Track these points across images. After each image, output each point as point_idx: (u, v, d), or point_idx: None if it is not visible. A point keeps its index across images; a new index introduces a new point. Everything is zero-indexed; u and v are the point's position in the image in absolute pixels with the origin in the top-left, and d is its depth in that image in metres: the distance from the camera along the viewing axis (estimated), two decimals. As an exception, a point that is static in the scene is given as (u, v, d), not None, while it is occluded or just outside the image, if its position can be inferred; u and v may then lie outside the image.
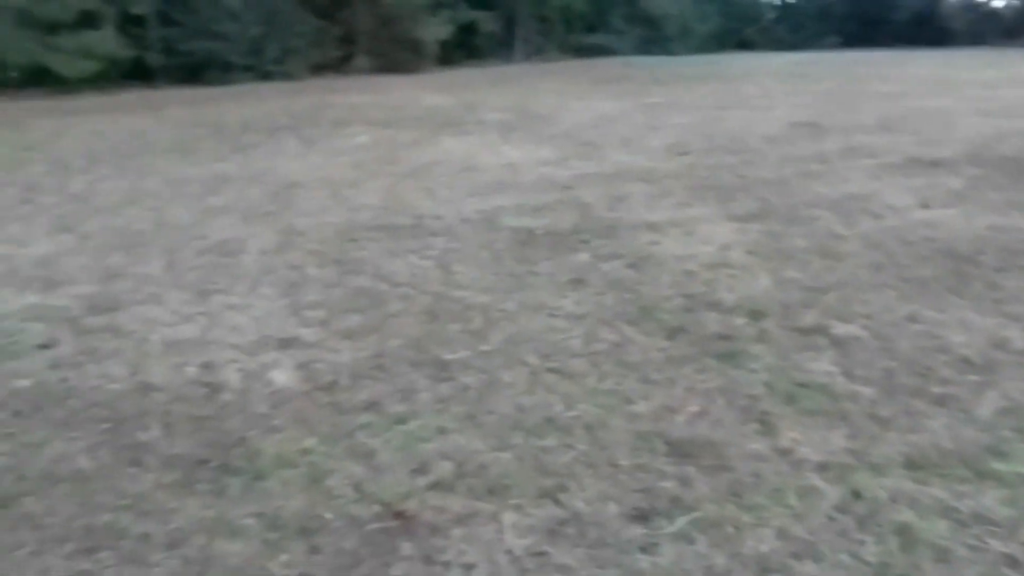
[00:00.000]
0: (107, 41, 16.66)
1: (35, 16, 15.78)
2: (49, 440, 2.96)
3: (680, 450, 2.74)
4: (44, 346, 3.77)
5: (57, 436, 2.98)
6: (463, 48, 24.32)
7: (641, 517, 2.39)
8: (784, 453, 2.72)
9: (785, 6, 42.80)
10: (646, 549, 2.27)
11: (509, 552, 2.27)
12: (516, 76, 18.62)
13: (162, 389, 3.29)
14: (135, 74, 17.96)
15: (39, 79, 16.18)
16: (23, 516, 2.54)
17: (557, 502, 2.48)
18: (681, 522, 2.36)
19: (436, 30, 22.02)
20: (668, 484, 2.55)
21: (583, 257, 4.91)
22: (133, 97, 15.49)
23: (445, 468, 2.68)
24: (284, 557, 2.29)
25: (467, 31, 24.16)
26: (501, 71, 20.44)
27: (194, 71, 18.44)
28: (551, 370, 3.38)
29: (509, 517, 2.42)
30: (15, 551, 2.39)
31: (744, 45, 38.32)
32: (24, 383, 3.41)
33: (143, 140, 10.15)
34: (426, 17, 21.61)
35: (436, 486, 2.59)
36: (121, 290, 4.46)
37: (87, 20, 16.64)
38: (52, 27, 16.12)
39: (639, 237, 5.30)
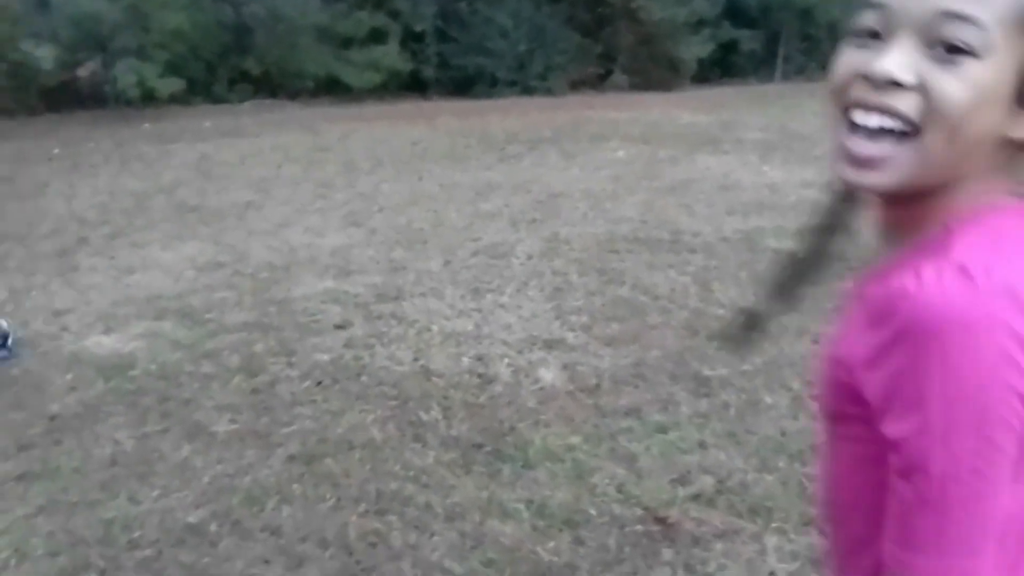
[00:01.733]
0: (391, 55, 18.17)
1: (333, 31, 17.58)
2: (345, 410, 3.34)
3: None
4: (340, 327, 4.23)
5: (352, 407, 3.35)
6: (720, 66, 23.87)
7: (916, 560, 2.29)
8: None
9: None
10: (921, 593, 2.17)
11: (772, 574, 2.27)
12: (776, 95, 18.02)
13: (441, 375, 3.59)
14: (411, 86, 19.42)
15: (329, 88, 17.93)
16: (325, 475, 2.89)
17: (824, 533, 2.42)
18: None
19: (696, 48, 21.79)
20: (947, 530, 2.41)
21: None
22: (409, 107, 16.73)
23: (706, 482, 2.71)
24: (551, 544, 2.43)
25: (727, 49, 23.71)
26: (760, 90, 19.88)
27: (463, 84, 19.58)
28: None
29: (772, 540, 2.41)
30: (318, 504, 2.73)
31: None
32: (324, 357, 3.85)
33: (419, 147, 10.97)
34: (688, 36, 21.47)
35: (697, 498, 2.63)
36: (404, 282, 4.88)
37: (376, 36, 18.26)
38: (345, 42, 17.86)
39: (914, 269, 4.99)
